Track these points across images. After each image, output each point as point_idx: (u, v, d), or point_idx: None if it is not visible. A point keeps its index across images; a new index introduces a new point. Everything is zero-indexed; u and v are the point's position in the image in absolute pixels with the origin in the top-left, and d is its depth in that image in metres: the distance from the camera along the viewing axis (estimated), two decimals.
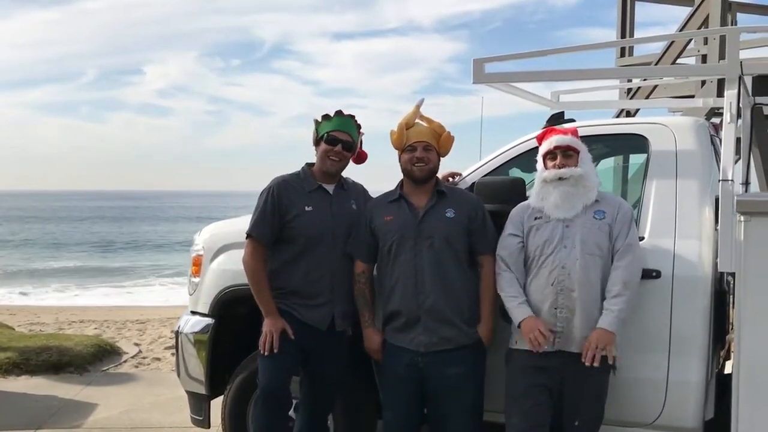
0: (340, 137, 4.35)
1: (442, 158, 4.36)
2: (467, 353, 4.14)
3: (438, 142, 4.28)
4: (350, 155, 4.43)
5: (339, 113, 4.40)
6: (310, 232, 4.30)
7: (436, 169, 4.32)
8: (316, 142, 4.42)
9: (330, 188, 4.43)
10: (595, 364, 3.82)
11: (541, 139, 4.19)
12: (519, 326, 3.94)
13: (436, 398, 4.16)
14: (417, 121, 4.33)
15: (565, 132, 4.12)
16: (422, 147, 4.22)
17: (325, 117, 4.40)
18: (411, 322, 4.16)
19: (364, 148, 4.58)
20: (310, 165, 4.50)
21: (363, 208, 4.44)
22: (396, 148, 4.32)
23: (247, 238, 4.36)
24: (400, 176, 4.37)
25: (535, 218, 4.05)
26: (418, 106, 4.34)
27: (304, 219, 4.30)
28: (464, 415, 4.13)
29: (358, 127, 4.47)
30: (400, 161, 4.31)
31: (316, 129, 4.41)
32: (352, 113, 4.43)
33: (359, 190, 4.58)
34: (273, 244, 4.35)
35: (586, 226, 3.95)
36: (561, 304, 3.89)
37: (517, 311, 3.97)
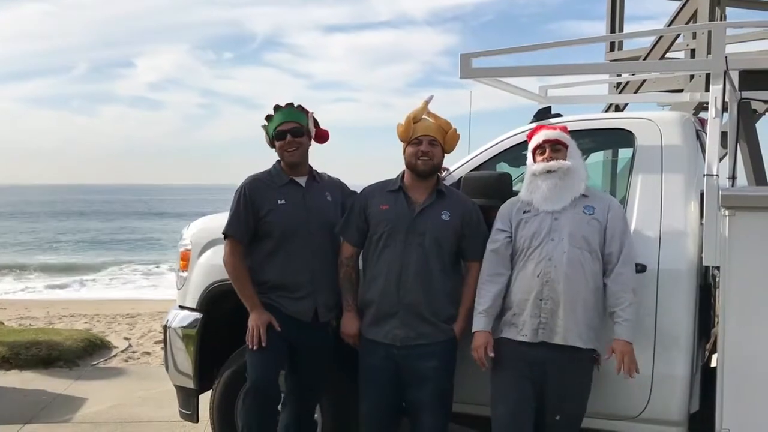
0: (285, 129, 4.38)
1: (445, 155, 4.37)
2: (442, 348, 4.18)
3: (444, 138, 4.29)
4: (304, 139, 4.44)
5: (277, 108, 4.44)
6: (284, 225, 4.33)
7: (439, 165, 4.34)
8: (271, 144, 4.46)
9: (302, 181, 4.45)
10: (633, 375, 3.88)
11: (531, 136, 4.21)
12: (473, 334, 4.06)
13: (411, 390, 4.20)
14: (424, 116, 4.34)
15: (554, 128, 4.15)
16: (428, 141, 4.23)
17: (268, 118, 4.46)
18: (387, 315, 4.18)
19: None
20: (280, 161, 4.52)
21: (339, 200, 4.47)
22: (402, 141, 4.32)
23: (224, 237, 4.39)
24: (391, 170, 4.41)
25: (524, 212, 4.07)
26: (426, 102, 4.36)
27: (277, 213, 4.33)
28: (438, 405, 4.18)
29: (302, 109, 4.47)
30: (404, 154, 4.31)
31: (267, 133, 4.46)
32: (290, 101, 4.46)
33: (335, 183, 4.60)
34: (251, 241, 4.38)
35: (575, 219, 3.97)
36: (546, 295, 3.91)
37: (477, 320, 4.06)
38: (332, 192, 4.50)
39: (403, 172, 4.35)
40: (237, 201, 4.38)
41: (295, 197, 4.39)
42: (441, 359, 4.17)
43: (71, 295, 21.36)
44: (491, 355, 3.99)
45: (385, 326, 4.19)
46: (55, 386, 7.58)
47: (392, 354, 4.18)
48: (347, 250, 4.36)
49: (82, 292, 22.20)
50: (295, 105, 4.46)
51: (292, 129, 4.38)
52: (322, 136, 4.56)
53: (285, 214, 4.33)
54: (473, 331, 4.06)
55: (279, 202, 4.34)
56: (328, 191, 4.50)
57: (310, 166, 4.52)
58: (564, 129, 4.15)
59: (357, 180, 4.71)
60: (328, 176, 4.61)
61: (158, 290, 21.68)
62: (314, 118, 4.51)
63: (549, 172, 4.00)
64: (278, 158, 4.50)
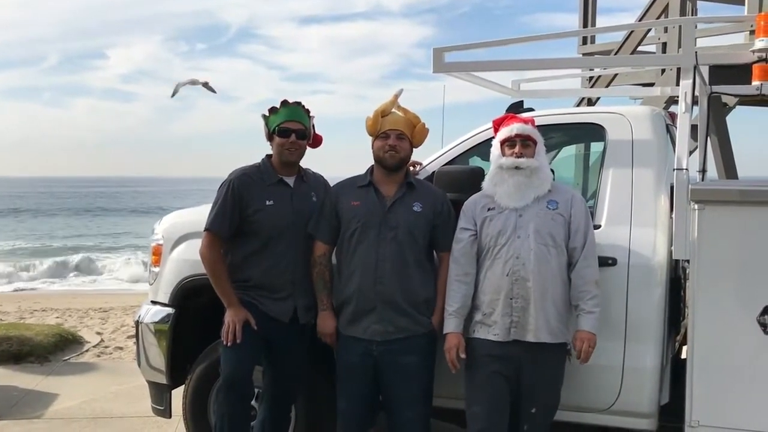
0: (291, 127, 4.34)
1: (414, 149, 4.37)
2: (421, 342, 4.17)
3: (412, 132, 4.29)
4: (305, 142, 4.42)
5: (285, 103, 4.38)
6: (271, 226, 4.28)
7: (407, 159, 4.33)
8: (269, 137, 4.40)
9: (290, 181, 4.41)
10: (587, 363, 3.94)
11: (499, 123, 4.19)
12: (444, 336, 4.07)
13: (391, 386, 4.19)
14: (393, 110, 4.34)
15: (525, 121, 4.13)
16: (395, 135, 4.23)
17: (272, 110, 4.39)
18: (365, 310, 4.17)
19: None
20: (269, 156, 4.47)
21: (323, 199, 4.41)
22: (370, 135, 4.31)
23: (205, 231, 4.34)
24: (365, 162, 4.39)
25: (488, 209, 4.06)
26: (396, 96, 4.35)
27: (265, 213, 4.28)
28: (418, 400, 4.18)
29: (308, 111, 4.45)
30: (372, 148, 4.30)
31: (266, 124, 4.40)
32: (298, 100, 4.42)
33: (320, 182, 4.56)
34: (234, 237, 4.33)
35: (539, 215, 3.98)
36: (516, 294, 3.91)
37: (447, 322, 4.07)
38: (317, 192, 4.46)
39: (372, 167, 4.34)
40: (224, 195, 4.30)
41: (283, 198, 4.34)
42: (420, 354, 4.17)
43: (43, 289, 21.10)
44: (462, 356, 4.00)
45: (363, 322, 4.18)
46: (27, 382, 7.51)
47: (371, 350, 4.17)
48: (319, 248, 4.33)
49: (54, 287, 21.93)
50: (303, 106, 4.42)
51: (298, 131, 4.35)
52: (317, 141, 4.53)
53: (273, 215, 4.28)
54: (444, 332, 4.07)
55: (267, 202, 4.29)
56: (314, 191, 4.46)
57: (299, 166, 4.48)
58: (532, 122, 4.15)
59: (332, 172, 4.69)
60: (312, 172, 4.58)
61: (129, 284, 21.51)
62: (313, 123, 4.49)
63: (517, 168, 3.99)
64: (267, 154, 4.46)
